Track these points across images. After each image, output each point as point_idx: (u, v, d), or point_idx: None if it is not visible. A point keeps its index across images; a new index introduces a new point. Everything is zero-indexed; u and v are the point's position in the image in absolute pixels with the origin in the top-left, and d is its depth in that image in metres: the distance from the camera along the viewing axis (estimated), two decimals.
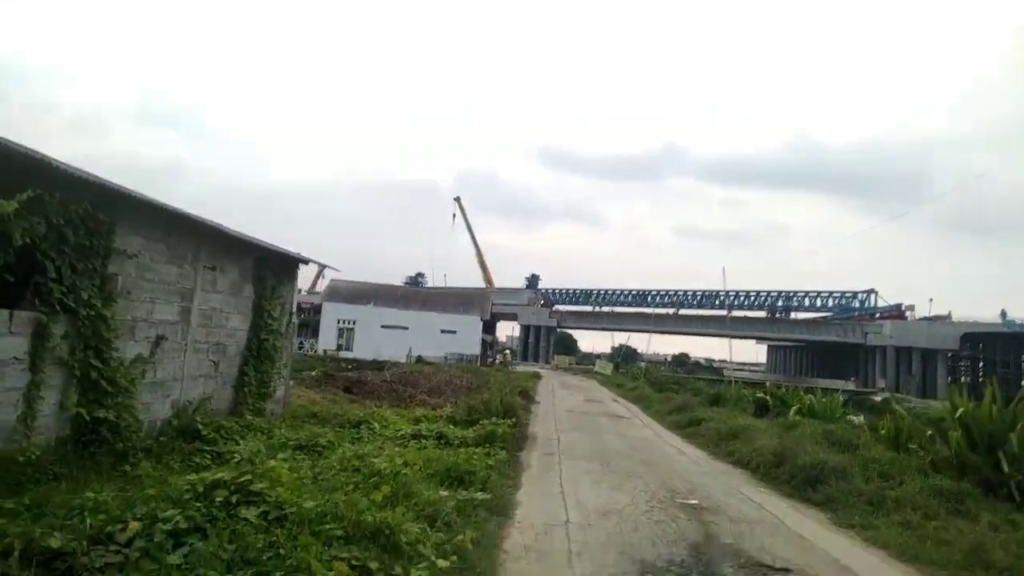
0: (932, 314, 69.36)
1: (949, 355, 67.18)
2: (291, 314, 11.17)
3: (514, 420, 13.54)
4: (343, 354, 52.99)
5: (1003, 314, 63.28)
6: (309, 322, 61.95)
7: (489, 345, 75.15)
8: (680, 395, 27.23)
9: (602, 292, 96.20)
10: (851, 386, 66.67)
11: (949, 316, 68.18)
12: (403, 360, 49.06)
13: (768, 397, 20.71)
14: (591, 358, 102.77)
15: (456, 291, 70.34)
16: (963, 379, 68.17)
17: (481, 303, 64.37)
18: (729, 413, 19.51)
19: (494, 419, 12.93)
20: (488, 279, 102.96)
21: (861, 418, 17.42)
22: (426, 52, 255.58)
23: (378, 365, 44.77)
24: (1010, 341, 62.58)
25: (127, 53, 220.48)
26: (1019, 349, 62.42)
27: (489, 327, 75.71)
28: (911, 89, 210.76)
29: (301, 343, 55.69)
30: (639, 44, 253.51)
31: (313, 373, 23.15)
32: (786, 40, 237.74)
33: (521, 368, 60.51)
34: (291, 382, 21.58)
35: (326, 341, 54.88)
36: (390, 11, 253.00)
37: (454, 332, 57.29)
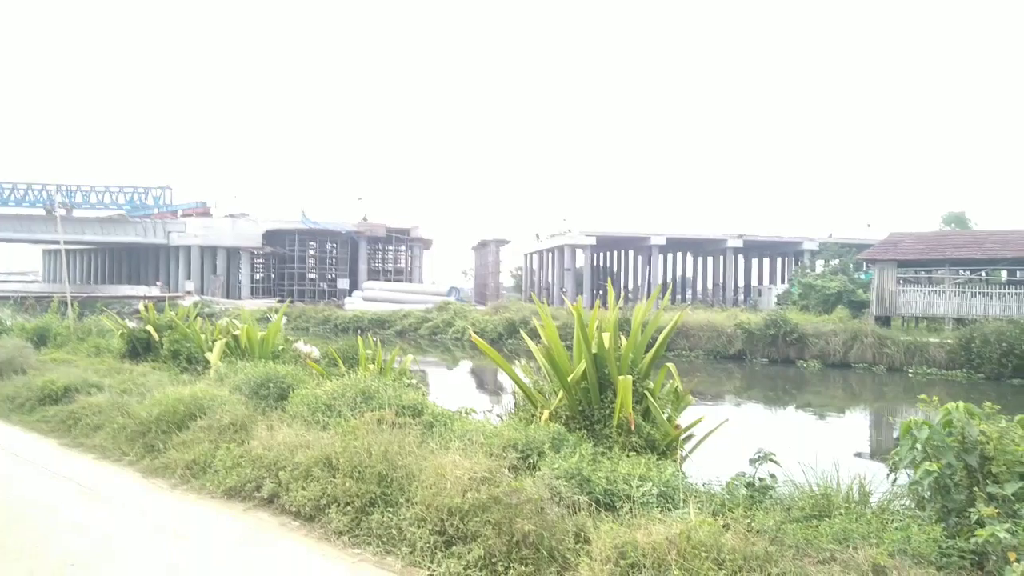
0: (237, 212, 68.57)
1: (254, 252, 68.02)
2: None
3: None
4: None
5: (303, 214, 67.35)
6: None
7: None
8: None
9: None
10: (156, 291, 61.01)
11: (249, 215, 68.66)
12: None
13: (151, 329, 13.80)
14: None
15: None
16: (264, 276, 70.52)
17: None
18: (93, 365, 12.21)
19: None
20: None
21: (313, 350, 12.71)
22: None
23: None
24: (306, 236, 67.30)
25: None
26: (316, 242, 67.98)
27: None
28: None
29: None
30: None
31: None
32: None
33: None
34: None
35: None
36: None
37: None
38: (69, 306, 19.55)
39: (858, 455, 12.27)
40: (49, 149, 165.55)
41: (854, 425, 16.84)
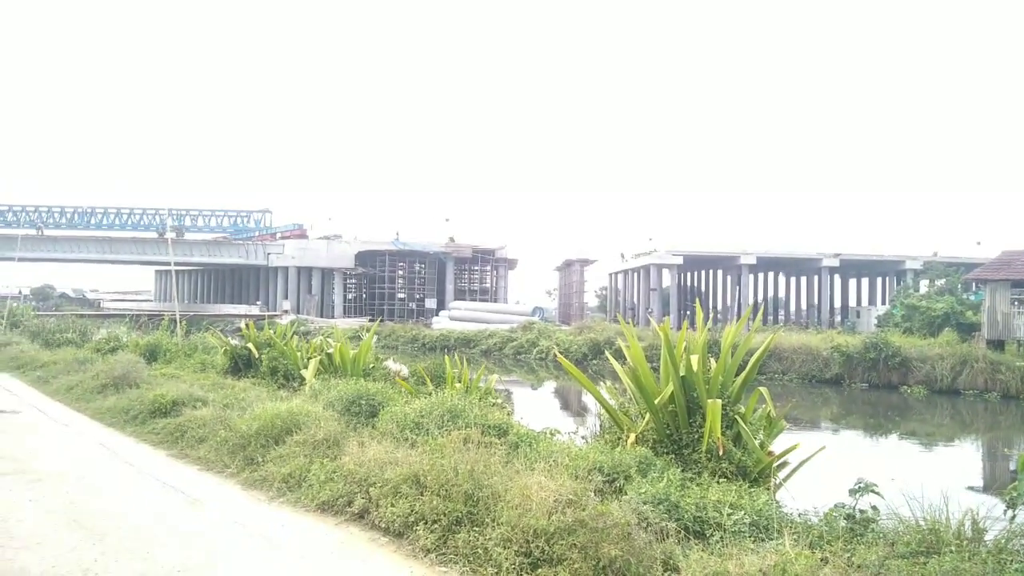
0: (331, 234, 71.32)
1: (347, 273, 70.40)
2: None
3: None
4: None
5: (396, 235, 69.46)
6: None
7: None
8: (86, 350, 18.48)
9: None
10: (256, 310, 64.02)
11: (342, 236, 71.22)
12: None
13: (252, 346, 14.51)
14: None
15: None
16: (356, 295, 72.85)
17: None
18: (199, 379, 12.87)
19: None
20: None
21: (402, 368, 13.06)
22: None
23: None
24: (396, 256, 69.38)
25: None
26: (405, 262, 70.15)
27: None
28: None
29: None
30: None
31: None
32: None
33: None
34: None
35: None
36: None
37: None
38: (178, 324, 20.80)
39: (970, 488, 11.47)
40: (163, 176, 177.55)
41: (964, 456, 15.77)
